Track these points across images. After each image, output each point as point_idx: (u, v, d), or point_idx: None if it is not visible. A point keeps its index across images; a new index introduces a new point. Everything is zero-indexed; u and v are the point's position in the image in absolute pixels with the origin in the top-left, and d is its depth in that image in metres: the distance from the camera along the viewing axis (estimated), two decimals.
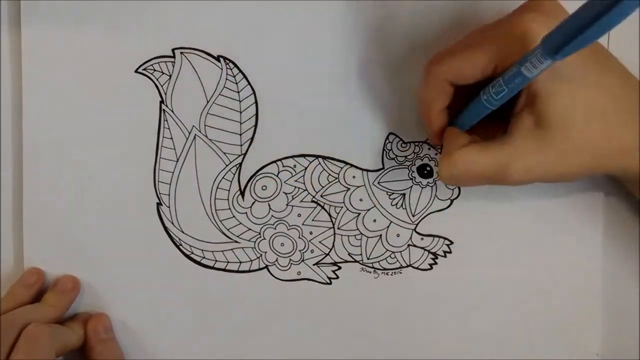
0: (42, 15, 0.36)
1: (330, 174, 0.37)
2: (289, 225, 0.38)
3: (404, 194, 0.37)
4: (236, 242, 0.38)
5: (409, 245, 0.38)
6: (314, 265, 0.38)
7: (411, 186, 0.37)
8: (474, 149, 0.31)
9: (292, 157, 0.37)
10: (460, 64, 0.31)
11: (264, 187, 0.37)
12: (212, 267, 0.38)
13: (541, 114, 0.30)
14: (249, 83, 0.37)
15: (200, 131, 0.37)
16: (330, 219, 0.38)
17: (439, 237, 0.38)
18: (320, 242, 0.38)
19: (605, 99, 0.30)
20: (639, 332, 0.38)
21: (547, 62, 0.27)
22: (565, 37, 0.25)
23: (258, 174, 0.37)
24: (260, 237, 0.38)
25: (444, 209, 0.38)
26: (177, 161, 0.37)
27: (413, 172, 0.37)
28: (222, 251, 0.37)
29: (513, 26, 0.30)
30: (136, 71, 0.37)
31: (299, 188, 0.37)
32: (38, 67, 0.36)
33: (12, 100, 0.37)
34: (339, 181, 0.38)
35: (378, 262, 0.38)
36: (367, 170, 0.37)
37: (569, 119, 0.30)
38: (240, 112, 0.37)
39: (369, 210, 0.38)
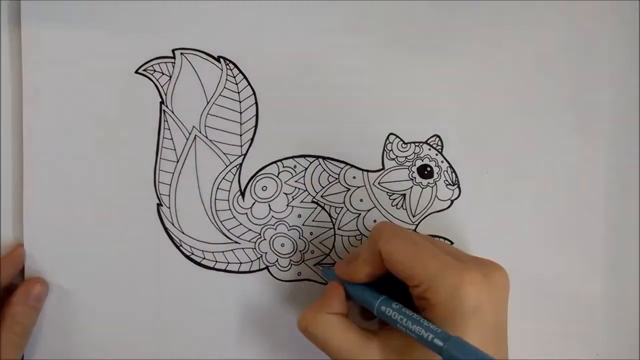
0: (42, 17, 0.36)
1: (330, 175, 0.37)
2: (290, 226, 0.38)
3: (404, 195, 0.37)
4: (236, 242, 0.37)
5: None
6: (314, 265, 0.38)
7: (411, 186, 0.37)
8: (340, 324, 0.32)
9: (292, 157, 0.37)
10: (397, 255, 0.31)
11: (264, 188, 0.37)
12: (213, 268, 0.37)
13: (404, 352, 0.30)
14: (249, 84, 0.37)
15: (200, 132, 0.37)
16: (331, 219, 0.38)
17: (439, 237, 0.38)
18: (320, 242, 0.38)
19: None
20: (639, 332, 0.38)
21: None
22: None
23: (258, 174, 0.37)
24: (261, 237, 0.37)
25: (444, 209, 0.38)
26: (177, 162, 0.37)
27: (413, 172, 0.37)
28: (223, 252, 0.37)
29: (456, 272, 0.29)
30: (136, 72, 0.37)
31: (299, 189, 0.37)
32: (38, 68, 0.36)
33: (12, 100, 0.37)
34: (339, 182, 0.38)
35: None
36: (368, 171, 0.37)
37: None
38: (241, 113, 0.37)
39: (369, 210, 0.37)
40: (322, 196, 0.38)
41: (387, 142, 0.37)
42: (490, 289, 0.29)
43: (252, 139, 0.37)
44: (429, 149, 0.37)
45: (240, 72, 0.37)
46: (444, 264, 0.30)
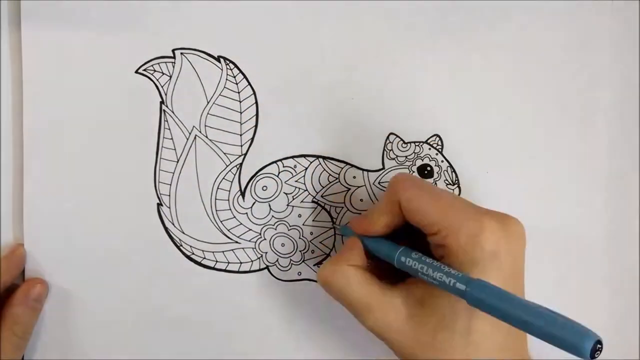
0: (42, 17, 0.36)
1: (330, 174, 0.37)
2: (290, 226, 0.38)
3: None
4: (237, 242, 0.37)
5: None
6: (314, 265, 0.38)
7: None
8: (359, 276, 0.32)
9: (292, 157, 0.37)
10: (416, 203, 0.31)
11: (264, 188, 0.37)
12: (213, 268, 0.37)
13: (426, 301, 0.30)
14: (249, 83, 0.37)
15: (200, 132, 0.37)
16: (331, 219, 0.38)
17: None
18: (321, 242, 0.38)
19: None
20: (639, 332, 0.38)
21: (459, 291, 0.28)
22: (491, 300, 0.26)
23: (258, 174, 0.37)
24: (261, 237, 0.37)
25: None
26: (177, 162, 0.37)
27: (413, 172, 0.37)
28: (223, 252, 0.37)
29: (476, 220, 0.30)
30: (136, 72, 0.37)
31: (299, 188, 0.37)
32: (38, 68, 0.36)
33: (13, 100, 0.37)
34: (339, 181, 0.38)
35: None
36: (368, 171, 0.37)
37: (444, 323, 0.30)
38: (241, 113, 0.37)
39: None
40: (322, 196, 0.38)
41: (387, 141, 0.37)
42: (508, 238, 0.30)
43: (252, 139, 0.37)
44: (429, 149, 0.37)
45: (241, 71, 0.37)
46: (464, 211, 0.30)
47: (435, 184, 0.37)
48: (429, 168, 0.37)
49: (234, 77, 0.37)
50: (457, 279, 0.28)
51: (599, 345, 0.23)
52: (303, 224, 0.38)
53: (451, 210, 0.30)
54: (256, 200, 0.37)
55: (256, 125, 0.37)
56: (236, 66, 0.37)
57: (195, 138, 0.37)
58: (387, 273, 0.33)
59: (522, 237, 0.31)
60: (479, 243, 0.29)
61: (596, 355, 0.24)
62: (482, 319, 0.29)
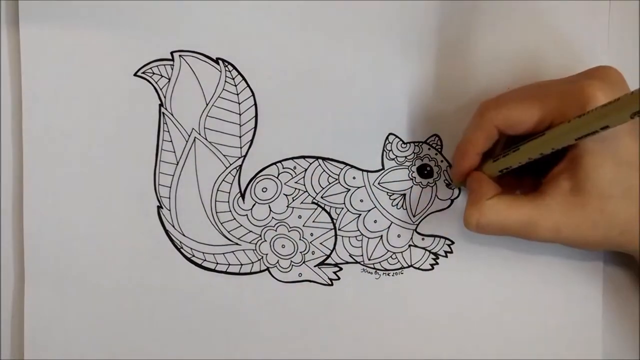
0: (39, 18, 0.36)
1: (330, 175, 0.37)
2: (290, 227, 0.38)
3: (404, 195, 0.37)
4: (237, 244, 0.37)
5: (409, 245, 0.38)
6: (315, 266, 0.38)
7: (411, 186, 0.37)
8: (504, 202, 0.32)
9: (292, 158, 0.37)
10: (516, 113, 0.31)
11: (264, 189, 0.37)
12: (213, 270, 0.37)
13: (581, 181, 0.31)
14: (248, 85, 0.37)
15: (199, 134, 0.37)
16: (331, 220, 0.38)
17: (440, 237, 0.38)
18: (321, 243, 0.38)
19: None
20: (639, 332, 0.38)
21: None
22: None
23: (258, 176, 0.37)
24: (261, 239, 0.38)
25: (445, 208, 0.38)
26: (177, 164, 0.37)
27: (413, 172, 0.37)
28: (223, 254, 0.37)
29: (578, 89, 0.30)
30: (135, 74, 0.37)
31: (299, 189, 0.37)
32: (37, 70, 0.36)
33: (12, 101, 0.37)
34: (339, 182, 0.37)
35: (379, 262, 0.38)
36: (367, 171, 0.37)
37: (607, 192, 0.30)
38: (240, 115, 0.37)
39: (369, 211, 0.38)
40: (322, 197, 0.38)
41: (387, 142, 0.37)
42: (613, 88, 0.30)
43: (251, 141, 0.37)
44: (429, 149, 0.37)
45: (239, 73, 0.37)
46: (560, 89, 0.30)
47: (435, 183, 0.37)
48: (428, 168, 0.37)
49: (233, 79, 0.37)
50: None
51: None
52: (303, 225, 0.38)
53: (549, 97, 0.30)
54: (256, 202, 0.37)
55: (255, 127, 0.37)
56: (235, 68, 0.37)
57: (194, 140, 0.37)
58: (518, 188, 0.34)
59: (623, 81, 0.31)
60: (594, 104, 0.29)
61: None
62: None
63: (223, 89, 0.37)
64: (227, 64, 0.37)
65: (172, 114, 0.37)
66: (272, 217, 0.37)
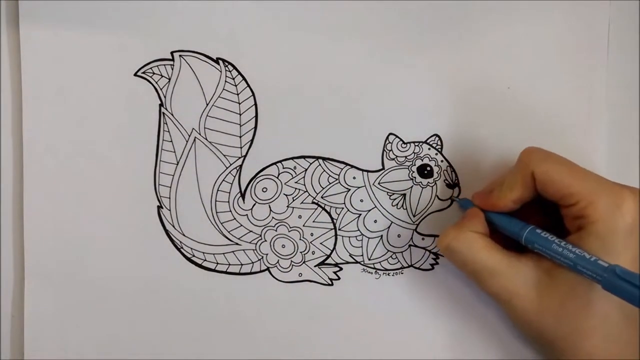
0: (39, 18, 0.36)
1: (330, 175, 0.37)
2: (290, 227, 0.38)
3: (404, 194, 0.37)
4: (237, 244, 0.37)
5: (410, 245, 0.38)
6: (315, 266, 0.38)
7: (411, 186, 0.37)
8: (483, 242, 0.32)
9: (292, 158, 0.37)
10: (558, 172, 0.31)
11: (264, 189, 0.37)
12: (214, 270, 0.37)
13: (554, 272, 0.31)
14: (248, 85, 0.37)
15: (200, 134, 0.37)
16: (331, 220, 0.38)
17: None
18: (321, 243, 0.38)
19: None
20: (639, 332, 0.38)
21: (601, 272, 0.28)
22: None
23: (258, 176, 0.37)
24: (261, 239, 0.38)
25: (445, 208, 0.38)
26: (177, 164, 0.37)
27: (413, 172, 0.37)
28: (224, 254, 0.37)
29: (618, 190, 0.30)
30: (135, 74, 0.37)
31: (299, 189, 0.37)
32: (37, 70, 0.36)
33: (12, 101, 0.37)
34: (339, 182, 0.38)
35: (379, 262, 0.38)
36: (368, 171, 0.37)
37: (570, 295, 0.30)
38: (240, 115, 0.37)
39: (369, 211, 0.38)
40: (322, 197, 0.38)
41: (387, 142, 0.37)
42: None
43: (251, 141, 0.37)
44: (429, 149, 0.37)
45: (239, 73, 0.37)
46: (602, 182, 0.30)
47: (435, 183, 0.37)
48: (428, 168, 0.37)
49: (233, 79, 0.37)
50: (591, 263, 0.28)
51: None
52: (303, 225, 0.38)
53: (589, 181, 0.30)
54: (256, 202, 0.37)
55: (255, 127, 0.37)
56: (235, 68, 0.37)
57: (194, 140, 0.37)
58: (507, 245, 0.33)
59: None
60: (620, 213, 0.29)
61: None
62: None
63: (223, 89, 0.37)
64: (227, 64, 0.37)
65: (172, 114, 0.37)
66: (272, 217, 0.38)
